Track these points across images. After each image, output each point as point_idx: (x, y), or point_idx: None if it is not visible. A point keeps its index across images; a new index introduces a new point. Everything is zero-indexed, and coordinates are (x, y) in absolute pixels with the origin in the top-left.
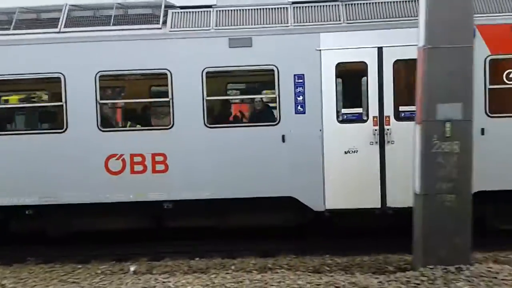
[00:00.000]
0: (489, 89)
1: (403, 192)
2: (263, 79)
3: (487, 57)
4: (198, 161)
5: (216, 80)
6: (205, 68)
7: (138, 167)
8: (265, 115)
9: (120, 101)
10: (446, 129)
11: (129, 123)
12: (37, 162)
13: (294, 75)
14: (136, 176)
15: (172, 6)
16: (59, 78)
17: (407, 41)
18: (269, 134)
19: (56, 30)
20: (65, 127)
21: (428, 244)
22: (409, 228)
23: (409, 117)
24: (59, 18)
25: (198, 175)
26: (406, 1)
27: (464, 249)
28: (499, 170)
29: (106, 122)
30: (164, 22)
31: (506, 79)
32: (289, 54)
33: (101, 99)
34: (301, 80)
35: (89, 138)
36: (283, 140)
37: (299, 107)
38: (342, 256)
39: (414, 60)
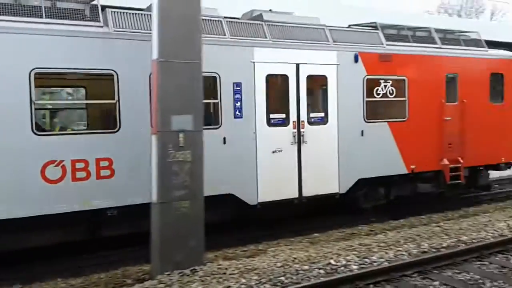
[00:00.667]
0: (366, 101)
1: (314, 183)
2: (207, 86)
3: (365, 77)
4: (146, 164)
5: None
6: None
7: (81, 174)
8: (209, 119)
9: (60, 102)
10: (179, 139)
11: (58, 126)
12: None
13: (233, 83)
14: (78, 183)
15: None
16: None
17: (317, 61)
18: (212, 136)
19: None
20: None
21: (165, 251)
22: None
23: (317, 122)
24: None
25: (145, 178)
26: (318, 28)
27: (198, 251)
28: (372, 162)
29: (42, 126)
30: (105, 21)
31: (375, 94)
32: (229, 63)
33: (37, 98)
34: (239, 88)
35: (22, 143)
36: (224, 142)
37: (237, 112)
38: (76, 277)
39: (321, 76)
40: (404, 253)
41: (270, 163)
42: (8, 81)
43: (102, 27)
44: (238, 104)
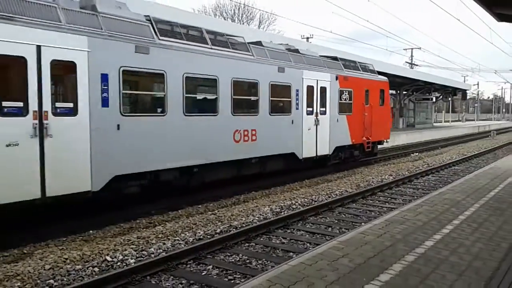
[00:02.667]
0: (339, 102)
1: (321, 147)
2: (287, 90)
3: (339, 89)
4: (267, 133)
5: (275, 88)
6: (270, 81)
7: (246, 138)
8: (286, 109)
9: (240, 97)
10: None
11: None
12: (199, 134)
13: (296, 89)
14: (245, 143)
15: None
16: (215, 80)
17: (324, 78)
18: (287, 119)
19: (208, 46)
20: (218, 112)
21: None
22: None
23: (322, 113)
24: (203, 37)
25: (266, 142)
26: (320, 59)
27: None
28: (340, 137)
29: (234, 110)
30: (251, 52)
31: (342, 99)
32: (295, 78)
33: (233, 95)
34: (298, 92)
35: (228, 119)
36: (292, 123)
37: (297, 106)
38: None
39: (324, 87)
40: (181, 242)
41: (307, 135)
42: (224, 84)
43: (251, 55)
44: (297, 101)
